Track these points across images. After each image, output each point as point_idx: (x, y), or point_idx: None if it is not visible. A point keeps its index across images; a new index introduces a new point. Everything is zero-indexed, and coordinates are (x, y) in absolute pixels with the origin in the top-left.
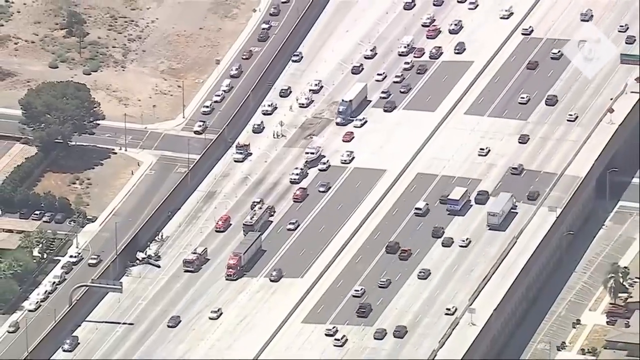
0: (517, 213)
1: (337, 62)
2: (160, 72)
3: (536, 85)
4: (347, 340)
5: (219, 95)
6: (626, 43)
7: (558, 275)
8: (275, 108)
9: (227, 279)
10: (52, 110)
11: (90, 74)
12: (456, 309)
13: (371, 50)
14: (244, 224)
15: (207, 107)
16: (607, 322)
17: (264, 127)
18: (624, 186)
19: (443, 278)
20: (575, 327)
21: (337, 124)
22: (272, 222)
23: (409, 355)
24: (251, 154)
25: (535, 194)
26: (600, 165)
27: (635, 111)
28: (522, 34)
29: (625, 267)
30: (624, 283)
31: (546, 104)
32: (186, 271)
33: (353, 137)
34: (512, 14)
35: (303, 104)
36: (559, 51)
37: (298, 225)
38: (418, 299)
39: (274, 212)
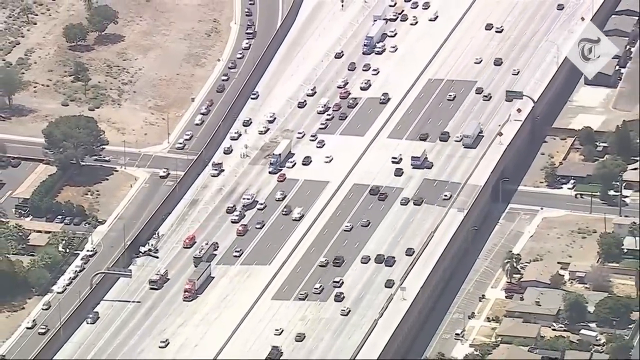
0: (483, 136)
1: (286, 99)
2: (149, 108)
3: (441, 115)
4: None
5: (188, 135)
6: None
7: (466, 261)
8: (240, 134)
9: (184, 301)
10: (68, 138)
11: (93, 109)
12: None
13: (311, 90)
14: (194, 257)
15: (180, 143)
16: (505, 296)
17: (232, 149)
18: (513, 192)
19: None
20: (481, 301)
21: (270, 172)
22: (216, 254)
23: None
24: (224, 170)
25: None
26: (494, 176)
27: (519, 134)
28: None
29: (518, 254)
30: (517, 266)
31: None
32: (151, 289)
33: (285, 178)
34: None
35: (262, 131)
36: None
37: (242, 253)
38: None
39: (218, 246)
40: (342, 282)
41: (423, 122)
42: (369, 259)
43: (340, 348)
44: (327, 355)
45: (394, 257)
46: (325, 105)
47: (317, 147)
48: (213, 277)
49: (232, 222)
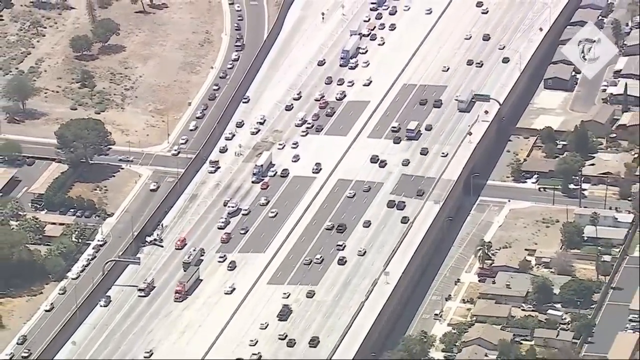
0: (475, 102)
1: (275, 103)
2: (149, 111)
3: (416, 117)
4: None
5: (183, 139)
6: None
7: (442, 248)
8: (234, 135)
9: (175, 301)
10: (78, 139)
11: (99, 113)
12: None
13: (297, 94)
14: (183, 262)
15: (176, 149)
16: (478, 280)
17: (227, 149)
18: (482, 186)
19: None
20: (456, 284)
21: (253, 182)
22: (203, 259)
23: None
24: (220, 167)
25: (422, 192)
26: (465, 172)
27: (487, 134)
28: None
29: (489, 242)
30: (488, 253)
31: (426, 129)
32: (140, 296)
33: (268, 186)
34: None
35: (253, 132)
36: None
37: (226, 258)
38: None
39: (204, 252)
40: (345, 246)
41: (399, 123)
42: (370, 223)
43: (330, 328)
44: (319, 334)
45: (404, 202)
46: (302, 119)
47: (293, 159)
48: (201, 280)
49: (218, 228)
